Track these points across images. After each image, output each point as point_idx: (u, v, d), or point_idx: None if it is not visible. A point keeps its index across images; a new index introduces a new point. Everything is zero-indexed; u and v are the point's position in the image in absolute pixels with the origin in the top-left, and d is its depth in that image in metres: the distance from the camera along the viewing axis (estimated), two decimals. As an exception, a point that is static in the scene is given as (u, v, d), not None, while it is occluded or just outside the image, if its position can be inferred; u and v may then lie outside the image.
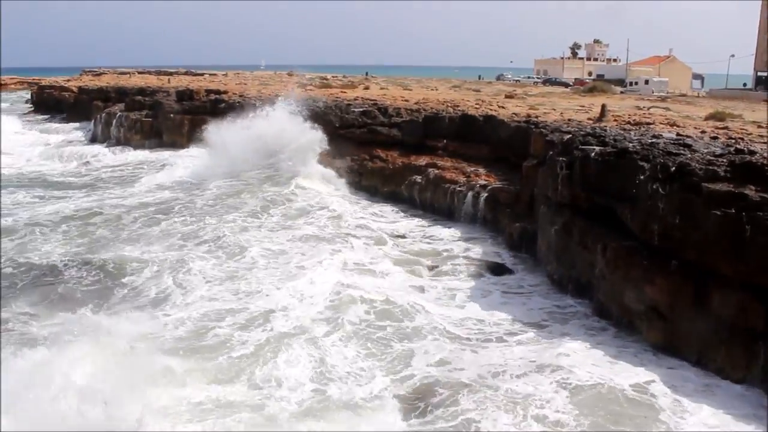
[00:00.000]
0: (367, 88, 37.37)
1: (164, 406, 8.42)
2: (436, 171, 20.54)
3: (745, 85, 48.20)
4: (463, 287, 13.74)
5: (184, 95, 33.31)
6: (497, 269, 14.89)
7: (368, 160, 22.84)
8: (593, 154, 12.80)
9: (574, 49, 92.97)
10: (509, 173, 18.95)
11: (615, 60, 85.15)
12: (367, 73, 64.47)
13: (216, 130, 25.84)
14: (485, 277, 14.39)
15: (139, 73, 67.08)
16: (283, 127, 24.33)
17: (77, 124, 39.56)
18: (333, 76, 54.43)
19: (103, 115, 35.72)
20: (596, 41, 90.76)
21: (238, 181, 22.95)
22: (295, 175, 22.53)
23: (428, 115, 23.03)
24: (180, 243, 16.11)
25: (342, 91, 32.95)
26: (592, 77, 71.01)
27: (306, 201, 20.30)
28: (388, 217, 19.88)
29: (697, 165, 10.60)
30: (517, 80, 65.38)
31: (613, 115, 19.14)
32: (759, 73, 44.21)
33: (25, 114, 48.77)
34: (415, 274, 14.57)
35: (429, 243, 17.15)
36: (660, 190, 10.71)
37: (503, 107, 24.44)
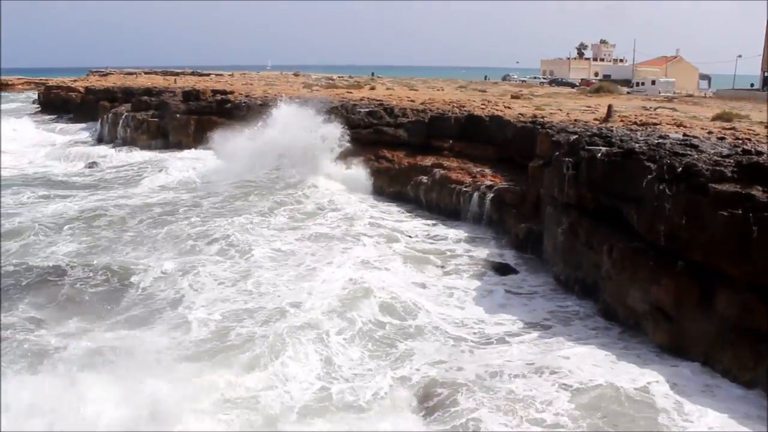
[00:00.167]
0: (373, 88, 37.38)
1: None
2: (442, 171, 20.55)
3: (752, 85, 48.01)
4: (468, 287, 13.77)
5: (191, 95, 33.42)
6: (502, 269, 14.89)
7: (374, 160, 22.86)
8: (600, 154, 12.78)
9: (581, 49, 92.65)
10: (515, 174, 18.92)
11: (621, 60, 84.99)
12: (373, 74, 64.38)
13: (225, 131, 25.85)
14: (489, 277, 14.40)
15: (146, 73, 67.41)
16: (294, 125, 24.10)
17: (84, 125, 39.71)
18: (339, 77, 54.50)
19: (110, 115, 35.83)
20: (603, 41, 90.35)
21: (248, 181, 22.93)
22: (308, 175, 22.60)
23: (434, 115, 23.04)
24: (192, 243, 16.09)
25: (348, 92, 32.99)
26: (598, 77, 70.88)
27: (317, 200, 20.44)
28: (393, 217, 19.88)
29: (703, 165, 10.57)
30: (523, 81, 65.30)
31: (619, 116, 19.11)
32: (766, 74, 44.04)
33: (32, 114, 48.96)
34: (422, 273, 14.61)
35: (432, 243, 17.17)
36: (666, 190, 10.68)
37: (509, 107, 24.44)
